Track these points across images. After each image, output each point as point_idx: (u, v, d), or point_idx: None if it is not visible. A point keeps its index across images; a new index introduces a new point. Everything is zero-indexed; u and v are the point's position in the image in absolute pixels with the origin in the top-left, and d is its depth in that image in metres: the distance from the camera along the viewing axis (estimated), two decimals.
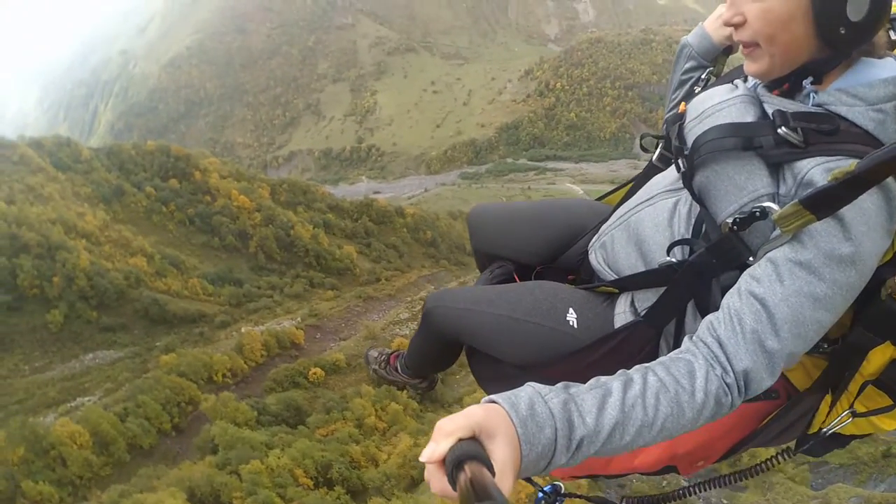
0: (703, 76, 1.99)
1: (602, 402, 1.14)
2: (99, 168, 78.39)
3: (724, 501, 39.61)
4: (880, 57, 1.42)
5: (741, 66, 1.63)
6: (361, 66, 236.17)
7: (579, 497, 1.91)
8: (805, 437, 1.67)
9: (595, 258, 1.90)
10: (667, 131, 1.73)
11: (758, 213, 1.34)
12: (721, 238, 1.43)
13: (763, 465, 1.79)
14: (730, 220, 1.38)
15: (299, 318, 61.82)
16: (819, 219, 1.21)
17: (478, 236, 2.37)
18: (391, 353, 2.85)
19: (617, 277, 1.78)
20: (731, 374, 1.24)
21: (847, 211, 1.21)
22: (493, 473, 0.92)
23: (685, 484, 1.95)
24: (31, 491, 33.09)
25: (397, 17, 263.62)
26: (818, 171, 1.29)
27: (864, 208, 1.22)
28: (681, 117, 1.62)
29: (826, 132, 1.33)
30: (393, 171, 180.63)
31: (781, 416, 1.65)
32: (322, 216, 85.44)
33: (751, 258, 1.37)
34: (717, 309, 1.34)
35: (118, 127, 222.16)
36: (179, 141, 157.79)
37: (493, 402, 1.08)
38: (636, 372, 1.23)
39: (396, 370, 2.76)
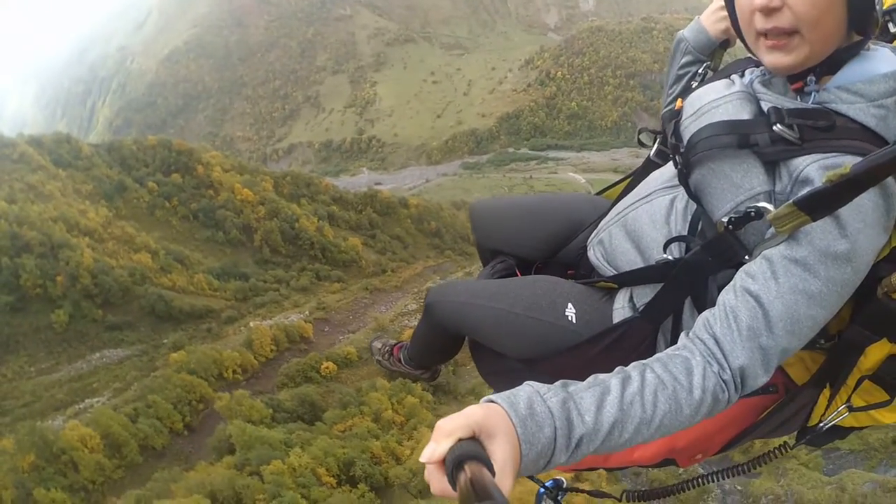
0: (699, 71, 1.96)
1: (601, 400, 1.15)
2: (100, 164, 77.85)
3: (738, 488, 39.34)
4: (868, 49, 1.41)
5: (738, 60, 1.69)
6: (360, 58, 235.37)
7: (581, 492, 1.96)
8: (805, 429, 1.69)
9: (594, 254, 1.90)
10: (664, 128, 1.75)
11: (753, 214, 1.33)
12: (717, 236, 1.43)
13: (763, 458, 1.79)
14: (725, 220, 1.38)
15: (307, 312, 61.33)
16: (814, 220, 1.22)
17: (480, 232, 2.36)
18: (395, 345, 2.88)
19: (615, 273, 1.79)
20: (728, 370, 1.25)
21: (843, 208, 1.21)
22: (493, 473, 0.93)
23: (701, 472, 1.95)
24: (44, 499, 32.57)
25: (396, 7, 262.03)
26: (814, 168, 1.29)
27: (861, 205, 1.21)
28: (677, 114, 1.64)
29: (822, 129, 1.32)
30: (394, 162, 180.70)
31: (780, 409, 1.67)
32: (326, 208, 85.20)
33: (746, 256, 1.37)
34: (713, 305, 1.34)
35: (116, 123, 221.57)
36: (178, 136, 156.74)
37: (492, 401, 1.08)
38: (634, 369, 1.23)
39: (400, 361, 2.79)
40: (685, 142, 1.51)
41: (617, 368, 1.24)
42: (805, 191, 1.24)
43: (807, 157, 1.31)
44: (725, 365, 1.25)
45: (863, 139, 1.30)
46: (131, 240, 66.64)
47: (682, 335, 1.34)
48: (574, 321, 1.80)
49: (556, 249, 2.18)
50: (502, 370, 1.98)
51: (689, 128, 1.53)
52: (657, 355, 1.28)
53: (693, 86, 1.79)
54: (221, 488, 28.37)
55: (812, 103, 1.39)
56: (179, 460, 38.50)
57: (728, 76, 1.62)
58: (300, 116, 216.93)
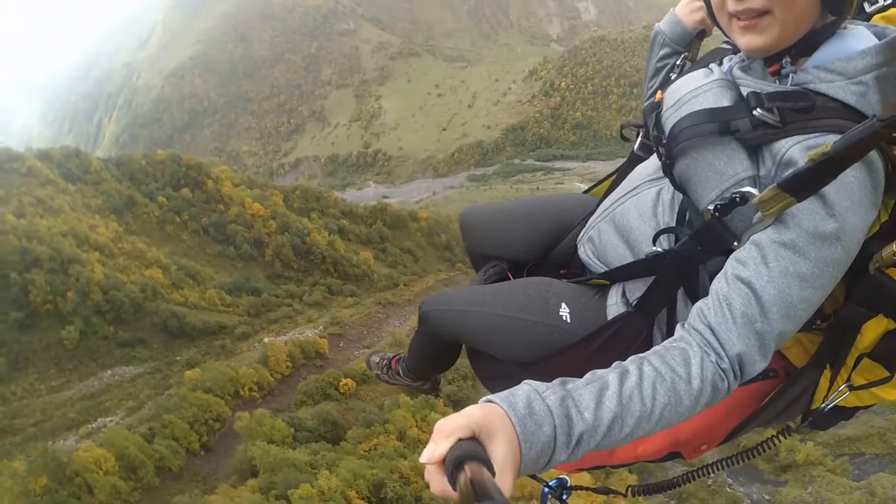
0: (678, 62, 1.98)
1: (599, 396, 1.14)
2: (109, 179, 77.16)
3: (766, 497, 38.14)
4: (844, 28, 1.41)
5: (716, 49, 1.70)
6: (365, 72, 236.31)
7: (585, 490, 1.97)
8: (808, 412, 1.68)
9: (584, 252, 1.91)
10: (645, 120, 1.75)
11: (738, 199, 1.34)
12: (704, 225, 1.42)
13: (761, 447, 1.77)
14: (711, 208, 1.39)
15: (321, 327, 60.16)
16: (799, 201, 1.21)
17: (470, 238, 2.35)
18: (392, 358, 2.85)
19: (607, 269, 1.80)
20: (726, 358, 1.24)
21: (829, 187, 1.20)
22: (493, 473, 0.92)
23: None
24: None
25: (399, 21, 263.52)
26: (796, 149, 1.29)
27: (846, 183, 1.21)
28: (658, 106, 1.64)
29: (802, 110, 1.32)
30: (400, 175, 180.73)
31: (782, 394, 1.67)
32: (336, 222, 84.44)
33: (735, 243, 1.37)
34: (706, 295, 1.34)
35: (123, 139, 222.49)
36: (185, 151, 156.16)
37: (491, 401, 1.08)
38: (632, 363, 1.22)
39: (399, 374, 2.76)
40: (667, 133, 1.51)
41: (614, 363, 1.23)
42: (788, 172, 1.24)
43: (789, 139, 1.30)
44: (723, 353, 1.24)
45: (844, 117, 1.28)
46: (142, 255, 65.69)
47: (678, 327, 1.33)
48: (569, 320, 1.78)
49: (547, 250, 2.15)
50: (501, 375, 1.94)
51: (670, 119, 1.53)
52: (654, 348, 1.27)
53: (672, 77, 1.77)
54: None
55: (791, 85, 1.37)
56: (197, 482, 37.32)
57: (706, 65, 1.62)
58: (306, 131, 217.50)
